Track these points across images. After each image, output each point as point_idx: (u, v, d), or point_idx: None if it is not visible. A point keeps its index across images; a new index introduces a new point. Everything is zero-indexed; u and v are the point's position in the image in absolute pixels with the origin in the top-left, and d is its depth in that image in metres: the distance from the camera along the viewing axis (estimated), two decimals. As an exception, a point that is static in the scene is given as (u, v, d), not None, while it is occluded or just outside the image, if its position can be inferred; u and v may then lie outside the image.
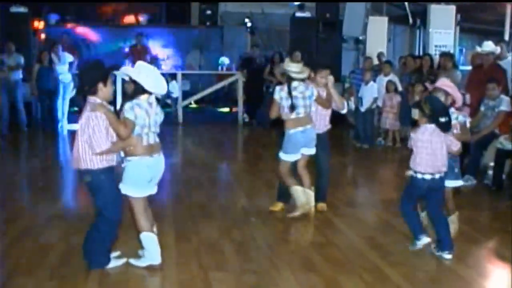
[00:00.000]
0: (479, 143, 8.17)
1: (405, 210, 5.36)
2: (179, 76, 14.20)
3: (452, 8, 12.88)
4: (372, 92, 11.28)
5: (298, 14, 14.40)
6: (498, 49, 9.01)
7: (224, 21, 17.52)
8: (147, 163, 4.72)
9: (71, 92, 13.17)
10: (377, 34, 14.62)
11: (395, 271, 4.95)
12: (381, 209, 6.95)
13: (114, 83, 4.91)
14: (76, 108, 14.00)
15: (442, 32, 12.63)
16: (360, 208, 7.23)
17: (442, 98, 5.36)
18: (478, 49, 9.27)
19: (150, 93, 4.68)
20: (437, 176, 5.08)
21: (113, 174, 4.78)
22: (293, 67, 6.15)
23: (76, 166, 4.67)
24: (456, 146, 5.33)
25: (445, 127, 5.03)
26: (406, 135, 11.59)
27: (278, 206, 6.59)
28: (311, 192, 6.37)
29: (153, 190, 4.89)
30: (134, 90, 4.64)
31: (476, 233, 6.22)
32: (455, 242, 5.55)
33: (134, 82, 4.62)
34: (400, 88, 11.37)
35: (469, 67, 11.26)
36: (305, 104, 6.18)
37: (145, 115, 4.63)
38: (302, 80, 6.20)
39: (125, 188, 4.72)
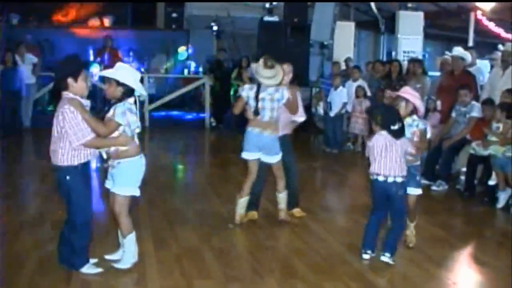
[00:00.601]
0: (451, 148, 8.27)
1: (369, 218, 5.40)
2: (145, 79, 14.03)
3: (420, 14, 13.01)
4: (341, 97, 11.33)
5: (267, 18, 14.38)
6: (469, 56, 9.11)
7: (190, 24, 17.38)
8: (142, 162, 4.78)
9: (35, 94, 12.90)
10: (344, 39, 14.70)
11: (378, 277, 4.96)
12: (357, 214, 6.90)
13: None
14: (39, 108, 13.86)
15: (411, 38, 12.75)
16: (336, 214, 7.23)
17: (402, 105, 5.40)
18: (448, 54, 9.37)
19: (134, 95, 4.63)
20: (390, 179, 5.10)
21: (89, 171, 4.74)
22: (265, 73, 5.93)
23: (52, 161, 4.59)
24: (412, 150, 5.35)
25: (397, 134, 5.09)
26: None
27: (254, 214, 6.45)
28: (283, 195, 6.33)
29: None
30: (124, 93, 4.55)
31: (452, 238, 6.30)
32: (429, 247, 5.72)
33: (122, 85, 4.52)
34: (369, 93, 11.43)
35: (436, 73, 11.42)
36: (272, 107, 6.00)
37: (136, 118, 4.61)
38: (273, 85, 6.01)
39: (126, 189, 4.69)
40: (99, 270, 4.76)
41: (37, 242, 5.52)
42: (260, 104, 5.97)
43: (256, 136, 6.08)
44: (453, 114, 8.44)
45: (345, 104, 11.34)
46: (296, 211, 6.62)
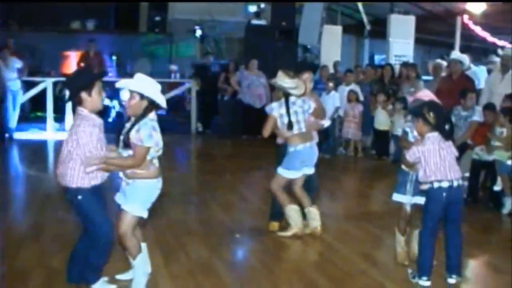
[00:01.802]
0: (453, 153, 8.17)
1: (425, 240, 4.73)
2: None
3: (412, 18, 12.99)
4: (334, 101, 11.17)
5: (254, 21, 14.20)
6: (467, 59, 9.07)
7: (173, 28, 17.15)
8: (159, 186, 4.40)
9: (19, 99, 12.53)
10: (331, 43, 14.60)
11: (401, 288, 4.81)
12: (365, 222, 6.78)
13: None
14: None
15: (402, 42, 12.70)
16: (345, 222, 7.00)
17: None
18: (446, 58, 9.34)
19: (155, 109, 4.28)
20: (455, 183, 4.62)
21: (101, 192, 4.40)
22: (289, 83, 5.77)
23: (61, 182, 4.24)
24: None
25: (449, 134, 4.74)
26: (366, 144, 11.61)
27: (275, 225, 6.19)
28: (315, 210, 6.09)
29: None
30: (147, 107, 4.18)
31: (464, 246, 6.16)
32: (440, 255, 5.17)
33: (146, 98, 4.16)
34: (361, 98, 11.32)
35: (428, 77, 11.39)
36: (304, 119, 5.89)
37: (160, 136, 4.25)
38: (300, 95, 5.87)
39: (136, 209, 4.31)
40: (113, 286, 4.52)
41: (39, 257, 5.25)
42: (294, 118, 5.81)
43: (308, 152, 5.94)
44: (453, 119, 8.31)
45: (337, 109, 11.20)
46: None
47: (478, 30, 14.48)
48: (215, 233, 6.13)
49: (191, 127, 14.00)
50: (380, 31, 18.93)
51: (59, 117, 12.62)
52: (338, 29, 14.96)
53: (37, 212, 6.89)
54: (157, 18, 16.39)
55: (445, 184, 4.62)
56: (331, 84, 11.17)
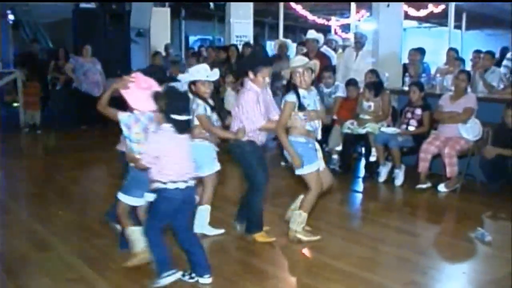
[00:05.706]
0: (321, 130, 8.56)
1: (153, 236, 4.27)
2: None
3: (249, -1, 13.26)
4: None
5: (83, 5, 13.43)
6: (322, 37, 9.52)
7: (-19, 13, 15.67)
8: None
9: None
10: (160, 25, 14.40)
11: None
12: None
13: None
14: None
15: (242, 22, 12.89)
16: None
17: None
18: (303, 37, 9.72)
19: None
20: (190, 183, 4.29)
21: None
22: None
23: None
24: None
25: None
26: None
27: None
28: None
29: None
30: None
31: (364, 214, 6.60)
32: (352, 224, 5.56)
33: None
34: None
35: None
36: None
37: None
38: None
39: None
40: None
41: None
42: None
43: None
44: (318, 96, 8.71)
45: (187, 93, 11.06)
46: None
47: (299, 9, 15.25)
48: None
49: (20, 121, 12.86)
50: (195, 11, 19.14)
51: None
52: (167, 11, 14.78)
53: None
54: (-38, 3, 14.79)
55: (181, 186, 4.23)
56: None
